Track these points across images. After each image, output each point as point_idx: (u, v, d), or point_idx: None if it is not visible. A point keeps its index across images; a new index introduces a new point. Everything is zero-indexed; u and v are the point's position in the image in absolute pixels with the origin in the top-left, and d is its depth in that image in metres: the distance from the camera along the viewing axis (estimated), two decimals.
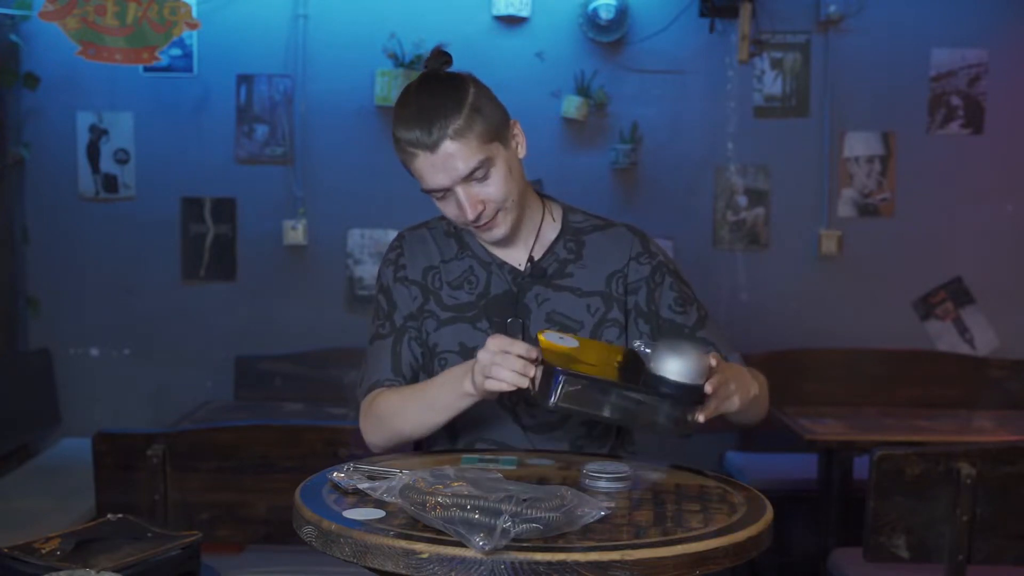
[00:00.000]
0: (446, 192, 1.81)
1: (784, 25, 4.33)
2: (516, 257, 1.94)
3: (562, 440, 1.91)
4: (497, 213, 1.83)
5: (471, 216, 1.80)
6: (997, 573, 2.65)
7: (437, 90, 1.81)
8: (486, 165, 1.78)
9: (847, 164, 4.40)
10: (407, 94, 1.84)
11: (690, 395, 1.54)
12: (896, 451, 2.51)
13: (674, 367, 1.54)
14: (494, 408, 1.88)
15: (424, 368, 1.93)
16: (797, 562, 4.12)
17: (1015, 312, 4.41)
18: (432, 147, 1.76)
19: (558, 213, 1.99)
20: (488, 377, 1.63)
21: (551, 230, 1.96)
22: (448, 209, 1.84)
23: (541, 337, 1.62)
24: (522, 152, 1.88)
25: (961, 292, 4.41)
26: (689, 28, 4.30)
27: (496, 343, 1.63)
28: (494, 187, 1.81)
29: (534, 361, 1.61)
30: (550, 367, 1.56)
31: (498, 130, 1.81)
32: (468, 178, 1.78)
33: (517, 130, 1.88)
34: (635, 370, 1.59)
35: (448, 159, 1.76)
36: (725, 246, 4.43)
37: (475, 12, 4.28)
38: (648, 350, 1.59)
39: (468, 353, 1.88)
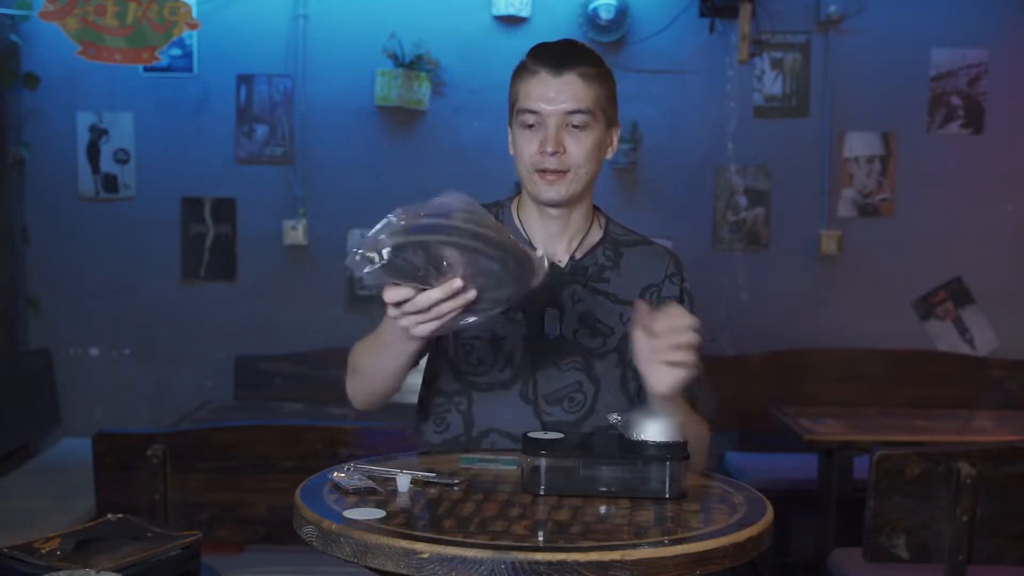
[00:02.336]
0: (538, 121, 1.84)
1: (784, 25, 4.33)
2: (557, 254, 1.94)
3: None
4: (567, 172, 1.85)
5: (551, 148, 1.82)
6: (997, 573, 2.65)
7: (584, 48, 1.90)
8: (589, 116, 1.84)
9: (847, 164, 4.40)
10: (551, 41, 1.92)
11: (674, 452, 1.56)
12: (896, 451, 2.51)
13: (652, 429, 1.56)
14: (516, 401, 1.88)
15: (433, 345, 1.91)
16: (797, 562, 4.13)
17: (1015, 312, 4.41)
18: (557, 72, 1.83)
19: (603, 222, 2.01)
20: (418, 327, 1.55)
21: (595, 236, 1.98)
22: (529, 144, 1.86)
23: (526, 436, 1.62)
24: (610, 153, 1.93)
25: (961, 292, 4.42)
26: (689, 28, 4.30)
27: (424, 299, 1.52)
28: (581, 145, 1.84)
29: (455, 293, 1.51)
30: (535, 458, 1.57)
31: (609, 110, 1.88)
32: (569, 115, 1.82)
33: (616, 133, 1.93)
34: (618, 444, 1.61)
35: (565, 87, 1.82)
36: (725, 246, 4.43)
37: (475, 12, 4.28)
38: (620, 419, 1.61)
39: (498, 343, 1.89)
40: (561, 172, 1.84)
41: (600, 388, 1.90)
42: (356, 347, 1.87)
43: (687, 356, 1.60)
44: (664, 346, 1.60)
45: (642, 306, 1.64)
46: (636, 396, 1.92)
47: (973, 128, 4.38)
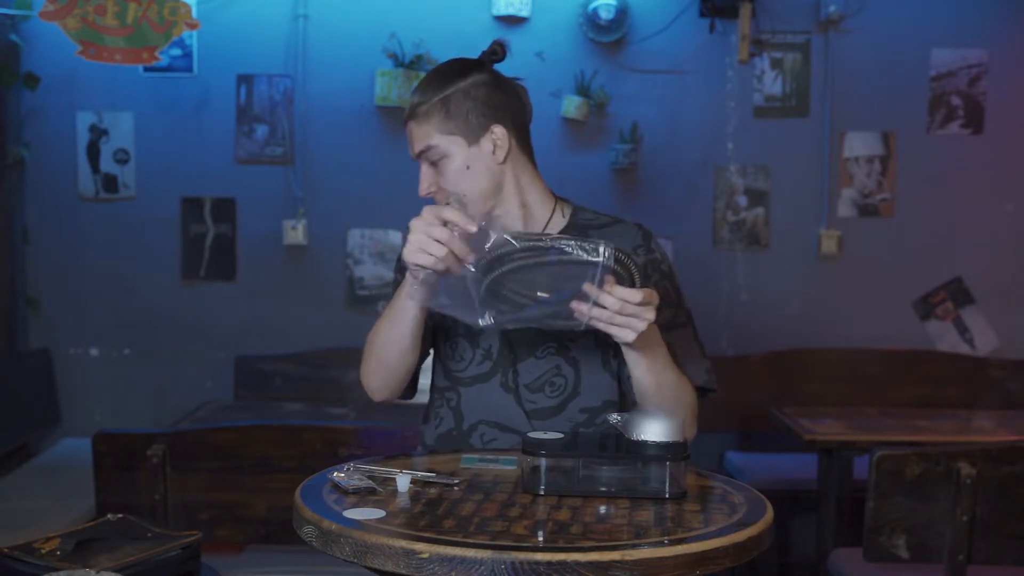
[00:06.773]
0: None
1: (784, 25, 4.33)
2: None
3: (565, 424, 1.92)
4: (450, 202, 1.87)
5: (421, 191, 1.92)
6: (997, 573, 2.65)
7: (442, 72, 1.93)
8: (437, 153, 1.89)
9: (847, 164, 4.40)
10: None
11: (673, 452, 1.56)
12: (896, 451, 2.51)
13: (652, 429, 1.57)
14: (497, 391, 1.92)
15: (438, 327, 1.98)
16: (797, 562, 4.13)
17: (1015, 312, 4.41)
18: (407, 120, 1.93)
19: (568, 211, 2.01)
20: (418, 252, 1.63)
21: (557, 225, 1.98)
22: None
23: (527, 436, 1.63)
24: (499, 156, 1.91)
25: (961, 292, 4.41)
26: (689, 28, 4.30)
27: (429, 211, 1.65)
28: (447, 176, 1.90)
29: (470, 234, 1.62)
30: (535, 458, 1.57)
31: (464, 127, 1.88)
32: (423, 155, 1.90)
33: (498, 133, 1.90)
34: (617, 444, 1.61)
35: (411, 133, 1.92)
36: (725, 246, 4.42)
37: (475, 12, 4.28)
38: (620, 419, 1.61)
39: (475, 337, 1.94)
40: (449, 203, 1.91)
41: (580, 369, 1.93)
42: (371, 330, 1.93)
43: (636, 321, 1.62)
44: (613, 315, 1.61)
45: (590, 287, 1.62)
46: (619, 373, 1.93)
47: (973, 128, 4.37)
